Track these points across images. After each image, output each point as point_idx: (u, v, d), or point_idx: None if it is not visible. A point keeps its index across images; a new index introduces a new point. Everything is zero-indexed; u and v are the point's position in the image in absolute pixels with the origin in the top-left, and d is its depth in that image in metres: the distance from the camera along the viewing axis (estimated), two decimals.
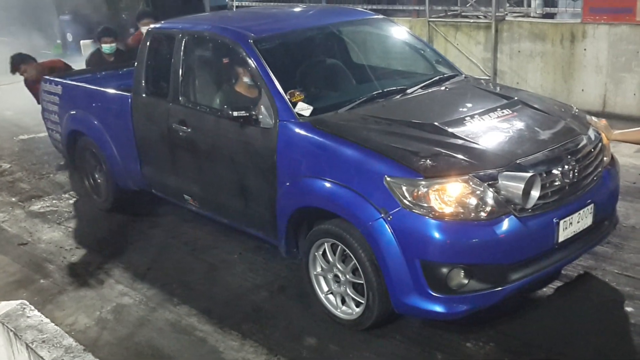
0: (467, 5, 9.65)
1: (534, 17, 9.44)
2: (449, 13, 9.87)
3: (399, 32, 5.36)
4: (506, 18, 8.93)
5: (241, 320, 4.13)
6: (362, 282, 3.73)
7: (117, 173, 5.70)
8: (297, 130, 4.04)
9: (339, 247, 3.82)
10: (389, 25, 5.40)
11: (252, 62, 4.37)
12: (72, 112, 6.05)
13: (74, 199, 6.42)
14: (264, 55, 4.39)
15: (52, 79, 6.46)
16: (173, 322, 4.17)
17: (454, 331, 3.82)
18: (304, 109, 4.12)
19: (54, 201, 6.42)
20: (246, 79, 4.59)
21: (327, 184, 3.80)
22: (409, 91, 4.51)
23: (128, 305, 4.41)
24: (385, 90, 4.50)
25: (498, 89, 4.92)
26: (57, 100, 6.30)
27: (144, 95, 5.26)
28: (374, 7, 10.60)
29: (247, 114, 4.21)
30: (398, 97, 4.44)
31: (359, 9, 6.97)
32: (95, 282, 4.75)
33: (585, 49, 8.03)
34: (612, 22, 7.77)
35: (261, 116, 4.20)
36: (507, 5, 9.54)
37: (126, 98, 5.41)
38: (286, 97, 4.16)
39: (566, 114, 4.28)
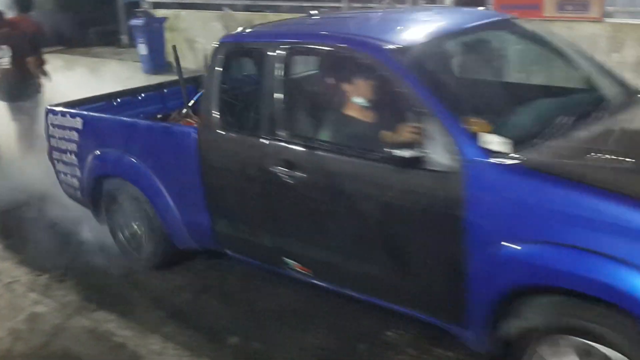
0: None
1: None
2: None
3: (551, 37, 4.22)
4: None
5: (162, 323, 4.05)
6: None
7: (172, 228, 4.50)
8: (500, 173, 2.95)
9: (582, 346, 2.76)
10: (529, 28, 4.27)
11: (402, 81, 3.26)
12: (97, 152, 4.80)
13: None
14: (415, 71, 3.32)
15: (66, 110, 5.06)
16: (90, 329, 4.05)
17: (374, 321, 3.83)
18: (499, 142, 3.00)
19: None
20: (359, 99, 3.62)
21: (571, 252, 2.72)
22: (614, 114, 3.49)
23: (42, 314, 4.25)
24: (577, 110, 3.41)
25: None
26: (76, 137, 4.95)
27: (219, 131, 4.02)
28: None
29: (418, 155, 3.08)
30: (601, 117, 3.41)
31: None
32: (6, 291, 4.57)
33: None
34: (521, 17, 8.04)
35: (434, 155, 3.09)
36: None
37: (188, 133, 4.19)
38: (466, 128, 3.08)
39: None
